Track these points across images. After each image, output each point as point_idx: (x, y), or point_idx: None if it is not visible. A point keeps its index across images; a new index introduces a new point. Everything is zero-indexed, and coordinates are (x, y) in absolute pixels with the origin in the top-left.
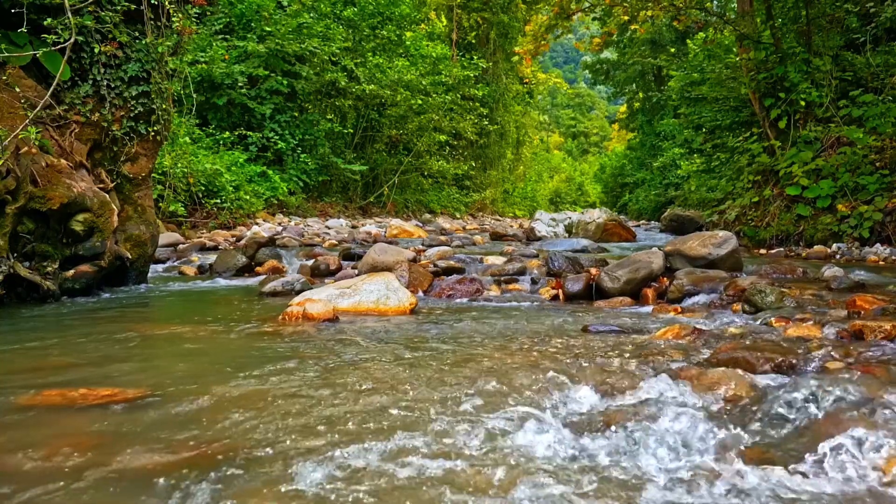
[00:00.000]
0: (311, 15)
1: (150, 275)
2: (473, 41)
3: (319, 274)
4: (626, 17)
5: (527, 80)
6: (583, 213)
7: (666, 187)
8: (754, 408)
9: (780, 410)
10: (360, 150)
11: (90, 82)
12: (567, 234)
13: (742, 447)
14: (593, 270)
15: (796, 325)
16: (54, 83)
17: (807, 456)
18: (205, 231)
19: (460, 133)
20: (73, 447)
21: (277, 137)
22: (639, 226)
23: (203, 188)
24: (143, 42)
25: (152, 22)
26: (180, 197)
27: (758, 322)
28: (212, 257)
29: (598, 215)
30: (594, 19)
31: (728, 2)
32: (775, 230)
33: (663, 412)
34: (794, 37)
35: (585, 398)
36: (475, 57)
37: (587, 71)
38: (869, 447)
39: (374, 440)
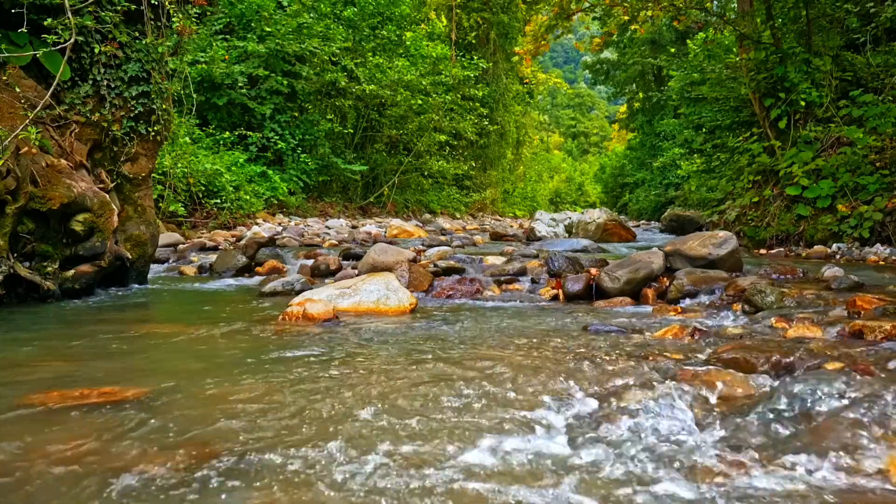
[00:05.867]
0: (311, 15)
1: (150, 275)
2: (473, 41)
3: (319, 274)
4: (626, 17)
5: (527, 81)
6: (583, 213)
7: (666, 187)
8: (754, 408)
9: (780, 410)
10: (360, 150)
11: (90, 82)
12: (567, 234)
13: (742, 447)
14: (593, 270)
15: (796, 325)
16: (54, 83)
17: (807, 456)
18: (205, 231)
19: (460, 133)
20: (73, 446)
21: (277, 137)
22: (639, 226)
23: (203, 188)
24: (143, 42)
25: (152, 22)
26: (180, 197)
27: (758, 322)
28: (212, 257)
29: (598, 215)
30: (594, 19)
31: (728, 2)
32: (775, 230)
33: (663, 413)
34: (794, 37)
35: (585, 398)
36: (475, 57)
37: (587, 71)
38: (869, 447)
39: (374, 440)
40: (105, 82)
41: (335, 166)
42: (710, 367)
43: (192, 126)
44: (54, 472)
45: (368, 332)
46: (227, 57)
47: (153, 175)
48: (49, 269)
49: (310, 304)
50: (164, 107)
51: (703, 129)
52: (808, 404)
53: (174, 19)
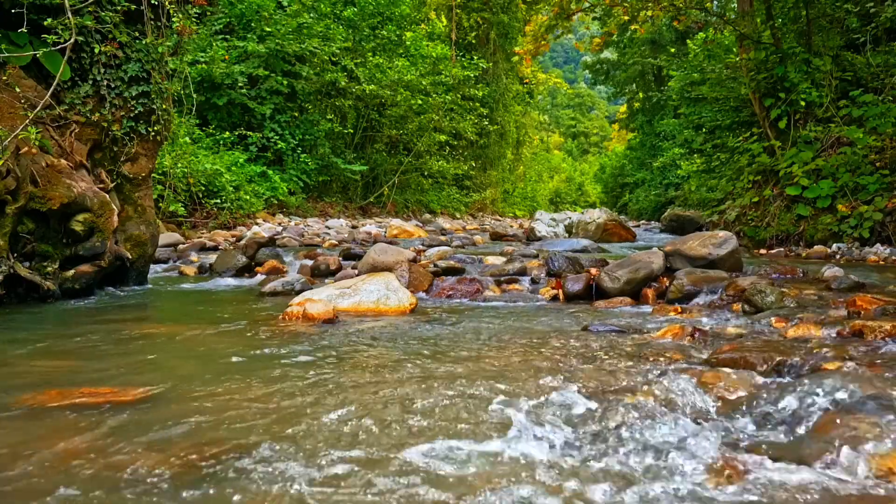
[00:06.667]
0: (311, 15)
1: (150, 275)
2: (473, 41)
3: (319, 274)
4: (626, 17)
5: (527, 80)
6: (583, 213)
7: (666, 187)
8: (754, 408)
9: (780, 410)
10: (360, 150)
11: (90, 82)
12: (567, 234)
13: (741, 447)
14: (593, 270)
15: (796, 325)
16: (54, 83)
17: (806, 456)
18: (205, 231)
19: (460, 133)
20: (73, 447)
21: (277, 137)
22: (639, 226)
23: (203, 188)
24: (143, 42)
25: (152, 22)
26: (180, 197)
27: (758, 322)
28: (212, 257)
29: (598, 215)
30: (594, 19)
31: (728, 2)
32: (775, 230)
33: (663, 413)
34: (794, 37)
35: (584, 398)
36: (475, 57)
37: (587, 71)
38: (869, 447)
39: (373, 441)
40: (105, 82)
41: (335, 166)
42: (710, 367)
43: (192, 126)
44: (54, 472)
45: (368, 332)
46: (227, 57)
47: (153, 175)
48: (49, 269)
49: (310, 304)
50: (164, 107)
51: (703, 129)
52: (808, 404)
53: (174, 19)
